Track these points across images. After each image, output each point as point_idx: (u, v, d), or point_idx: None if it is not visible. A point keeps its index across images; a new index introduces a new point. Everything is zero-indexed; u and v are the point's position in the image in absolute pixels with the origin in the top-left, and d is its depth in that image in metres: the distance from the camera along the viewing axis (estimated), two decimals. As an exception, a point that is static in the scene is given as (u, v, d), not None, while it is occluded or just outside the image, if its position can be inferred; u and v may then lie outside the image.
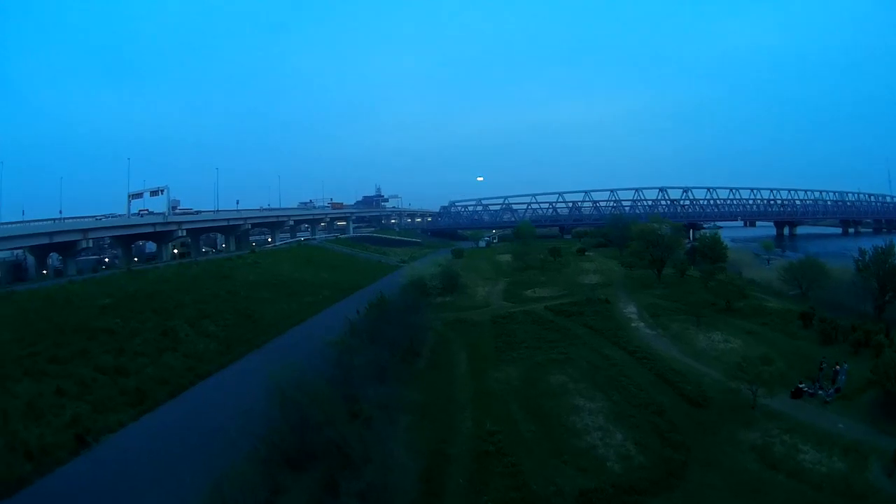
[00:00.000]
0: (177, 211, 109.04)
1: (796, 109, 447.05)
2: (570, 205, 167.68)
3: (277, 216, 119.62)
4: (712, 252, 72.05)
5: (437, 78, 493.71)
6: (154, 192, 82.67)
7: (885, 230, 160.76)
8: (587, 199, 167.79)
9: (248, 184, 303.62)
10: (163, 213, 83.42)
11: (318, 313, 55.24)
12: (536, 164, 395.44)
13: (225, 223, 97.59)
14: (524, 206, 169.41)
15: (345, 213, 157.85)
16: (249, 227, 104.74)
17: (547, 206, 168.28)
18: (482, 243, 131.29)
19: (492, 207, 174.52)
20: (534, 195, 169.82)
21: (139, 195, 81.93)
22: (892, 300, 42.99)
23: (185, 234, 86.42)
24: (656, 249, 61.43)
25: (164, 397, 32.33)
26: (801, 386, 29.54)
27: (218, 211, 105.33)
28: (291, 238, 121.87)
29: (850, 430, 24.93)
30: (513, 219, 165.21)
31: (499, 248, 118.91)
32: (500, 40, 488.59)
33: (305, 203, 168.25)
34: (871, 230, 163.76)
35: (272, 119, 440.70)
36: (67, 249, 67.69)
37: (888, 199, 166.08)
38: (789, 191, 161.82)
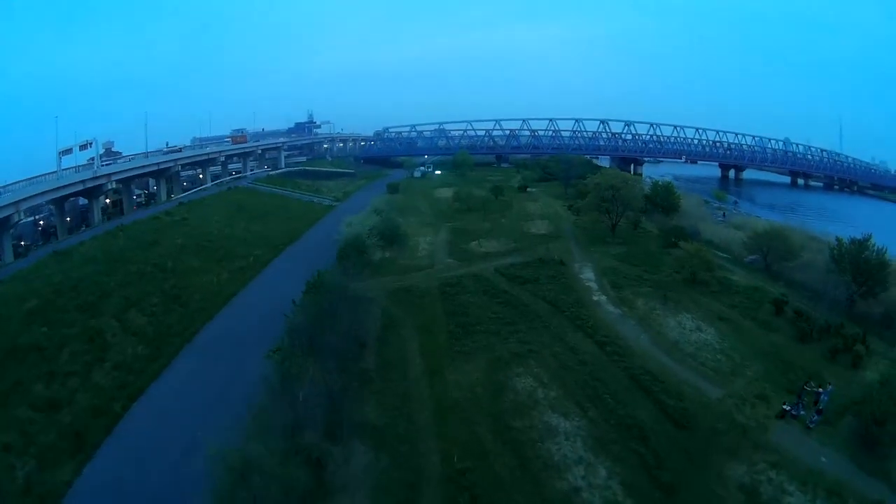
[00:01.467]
0: (111, 151, 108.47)
1: (755, 59, 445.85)
2: (508, 132, 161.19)
3: (208, 154, 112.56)
4: (665, 202, 69.57)
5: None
6: (83, 146, 77.29)
7: (836, 187, 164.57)
8: (525, 127, 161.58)
9: (182, 123, 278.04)
10: (92, 168, 76.67)
11: (251, 281, 49.52)
12: (475, 93, 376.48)
13: (155, 167, 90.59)
14: (460, 133, 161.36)
15: (276, 143, 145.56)
16: (180, 168, 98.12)
17: (483, 133, 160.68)
18: (418, 173, 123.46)
19: (426, 133, 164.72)
20: (470, 122, 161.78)
21: (69, 151, 75.79)
22: (865, 295, 41.20)
23: (115, 185, 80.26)
24: (613, 204, 57.26)
25: (102, 435, 26.99)
26: (785, 408, 27.59)
27: (147, 155, 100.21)
28: (223, 172, 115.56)
29: (833, 465, 23.86)
30: (448, 145, 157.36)
31: (436, 180, 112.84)
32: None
33: (237, 130, 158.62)
34: (821, 185, 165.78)
35: (205, 54, 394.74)
36: (2, 227, 58.12)
37: (842, 157, 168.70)
38: (736, 134, 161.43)
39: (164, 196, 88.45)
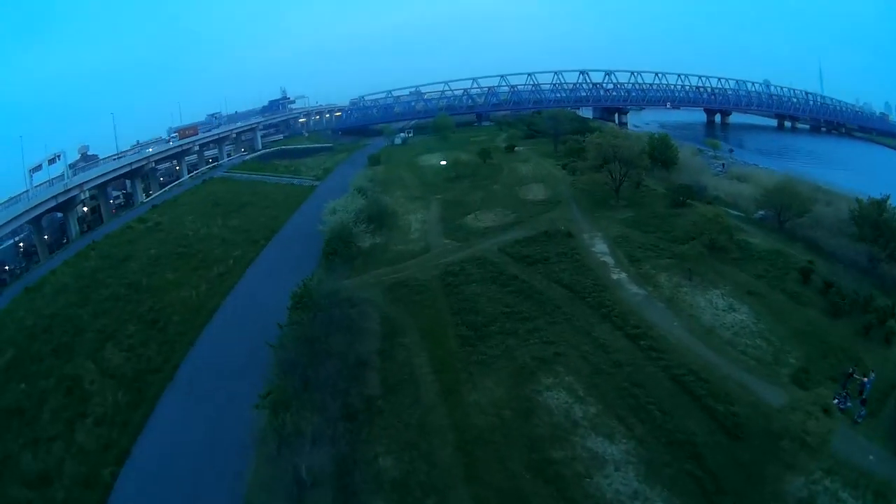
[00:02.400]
0: (87, 155, 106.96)
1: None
2: (486, 90, 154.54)
3: (181, 146, 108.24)
4: (664, 156, 65.94)
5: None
6: (51, 161, 74.56)
7: (823, 129, 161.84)
8: (504, 83, 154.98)
9: (159, 114, 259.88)
10: (63, 181, 72.52)
11: (232, 290, 44.79)
12: (453, 57, 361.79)
13: (128, 168, 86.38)
14: (437, 94, 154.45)
15: (250, 124, 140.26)
16: (153, 164, 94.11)
17: (461, 92, 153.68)
18: (398, 140, 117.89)
19: (403, 98, 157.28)
20: (446, 82, 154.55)
21: (38, 168, 72.92)
22: (889, 258, 38.83)
23: (89, 193, 77.86)
24: (616, 165, 53.25)
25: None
26: (835, 402, 25.32)
27: (119, 157, 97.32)
28: (199, 162, 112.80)
29: (881, 462, 22.33)
30: (426, 108, 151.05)
31: (418, 146, 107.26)
32: None
33: (213, 115, 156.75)
34: (807, 128, 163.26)
35: (178, 44, 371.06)
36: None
37: (827, 99, 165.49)
38: (719, 79, 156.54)
39: (140, 196, 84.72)
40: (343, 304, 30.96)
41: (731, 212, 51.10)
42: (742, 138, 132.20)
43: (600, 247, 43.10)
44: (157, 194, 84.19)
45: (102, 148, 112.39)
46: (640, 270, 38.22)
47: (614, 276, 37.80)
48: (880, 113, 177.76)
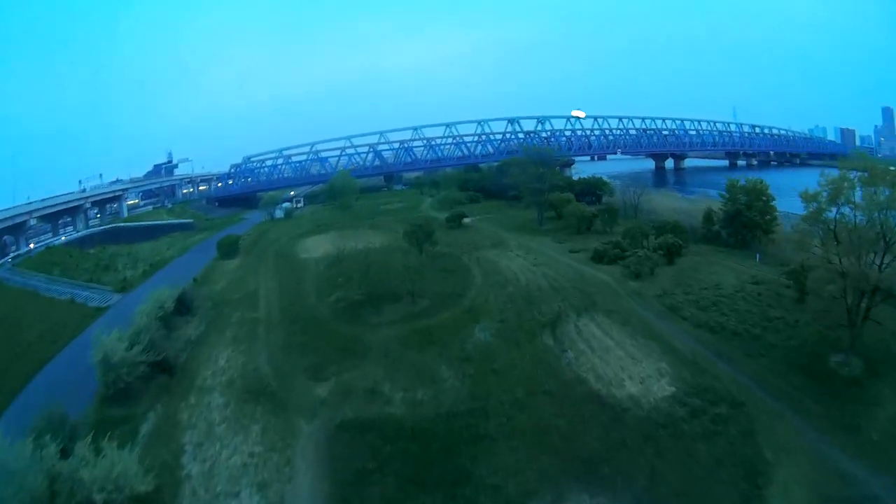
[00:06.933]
0: None
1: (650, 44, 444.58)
2: (398, 145, 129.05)
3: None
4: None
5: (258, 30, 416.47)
6: None
7: (773, 163, 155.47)
8: (418, 136, 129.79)
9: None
10: None
11: None
12: (367, 116, 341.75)
13: None
14: (338, 154, 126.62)
15: (112, 191, 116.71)
16: None
17: (367, 149, 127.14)
18: (279, 212, 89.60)
19: (296, 158, 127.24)
20: (348, 137, 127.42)
21: None
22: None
23: None
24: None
25: None
26: None
27: None
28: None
29: None
30: (322, 171, 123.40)
31: (305, 219, 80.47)
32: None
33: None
34: (756, 163, 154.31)
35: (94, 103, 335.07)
36: None
37: (775, 130, 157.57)
38: (664, 119, 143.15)
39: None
40: None
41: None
42: (687, 179, 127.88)
43: None
44: None
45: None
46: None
47: None
48: (830, 140, 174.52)
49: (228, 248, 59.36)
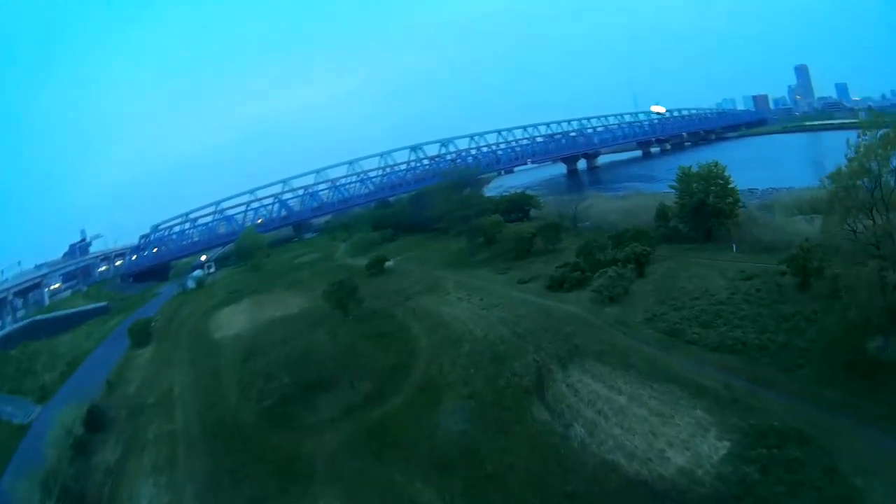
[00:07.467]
0: None
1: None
2: (303, 191, 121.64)
3: None
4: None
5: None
6: None
7: (688, 143, 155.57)
8: (322, 178, 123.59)
9: None
10: None
11: None
12: (270, 164, 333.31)
13: None
14: (243, 209, 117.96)
15: (38, 276, 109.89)
16: None
17: (271, 200, 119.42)
18: (191, 283, 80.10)
19: (202, 220, 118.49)
20: (252, 191, 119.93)
21: None
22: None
23: None
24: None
25: None
26: None
27: None
28: None
29: None
30: (231, 230, 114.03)
31: (217, 287, 72.24)
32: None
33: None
34: (669, 146, 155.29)
35: None
36: None
37: (684, 112, 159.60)
38: (568, 121, 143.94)
39: None
40: None
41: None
42: (604, 177, 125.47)
43: None
44: None
45: None
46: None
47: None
48: (742, 109, 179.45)
49: (140, 335, 52.84)
